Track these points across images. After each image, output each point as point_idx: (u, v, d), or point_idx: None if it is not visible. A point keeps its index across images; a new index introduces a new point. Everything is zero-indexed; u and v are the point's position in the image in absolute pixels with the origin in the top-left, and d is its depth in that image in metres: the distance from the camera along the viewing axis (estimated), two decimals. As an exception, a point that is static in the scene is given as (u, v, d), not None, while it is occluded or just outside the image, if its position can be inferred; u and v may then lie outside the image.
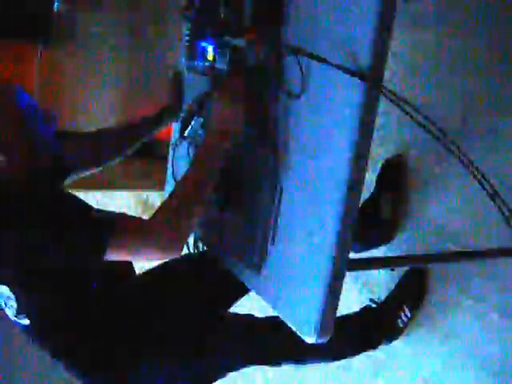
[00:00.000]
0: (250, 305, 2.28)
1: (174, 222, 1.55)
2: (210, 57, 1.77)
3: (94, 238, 1.51)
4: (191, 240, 2.15)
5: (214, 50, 1.75)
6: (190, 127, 1.93)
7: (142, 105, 4.93)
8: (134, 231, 1.55)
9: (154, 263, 2.12)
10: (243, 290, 1.88)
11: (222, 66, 1.72)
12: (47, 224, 1.51)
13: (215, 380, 1.99)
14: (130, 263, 1.97)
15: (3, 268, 1.66)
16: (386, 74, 1.31)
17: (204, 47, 1.78)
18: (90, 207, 1.61)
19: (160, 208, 1.58)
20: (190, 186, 1.61)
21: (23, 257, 1.55)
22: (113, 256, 1.53)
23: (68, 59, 6.97)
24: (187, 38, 1.83)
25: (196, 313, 1.95)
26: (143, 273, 2.10)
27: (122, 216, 1.61)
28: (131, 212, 4.88)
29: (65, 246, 1.51)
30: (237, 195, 1.72)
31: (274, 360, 2.09)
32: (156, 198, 4.44)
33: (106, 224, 1.53)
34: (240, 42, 1.64)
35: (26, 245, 1.52)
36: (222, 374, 1.99)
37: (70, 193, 1.75)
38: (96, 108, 6.11)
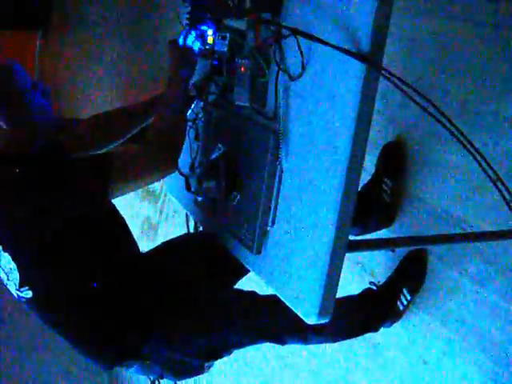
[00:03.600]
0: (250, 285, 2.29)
1: (163, 140, 1.77)
2: (209, 40, 1.77)
3: (96, 175, 1.69)
4: (192, 221, 2.17)
5: (214, 33, 1.75)
6: (190, 110, 1.94)
7: (143, 90, 4.94)
8: (133, 157, 1.75)
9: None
10: (244, 270, 1.89)
11: (222, 48, 1.72)
12: (53, 181, 1.68)
13: (221, 356, 2.00)
14: (134, 242, 1.99)
15: (12, 230, 1.74)
16: (386, 58, 1.31)
17: (204, 31, 1.78)
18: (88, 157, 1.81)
19: (149, 133, 1.80)
20: (168, 113, 1.83)
21: (32, 212, 1.69)
22: (119, 189, 1.74)
23: (68, 47, 6.98)
24: (187, 21, 1.83)
25: (198, 289, 1.96)
26: (147, 251, 2.12)
27: (117, 150, 1.82)
28: (132, 200, 4.89)
29: (70, 191, 1.68)
30: (238, 177, 1.73)
31: (277, 336, 2.09)
32: (156, 184, 4.45)
33: (104, 160, 1.72)
34: (240, 25, 1.64)
35: (34, 202, 1.68)
36: (227, 350, 2.00)
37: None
38: (97, 94, 6.12)
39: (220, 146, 1.81)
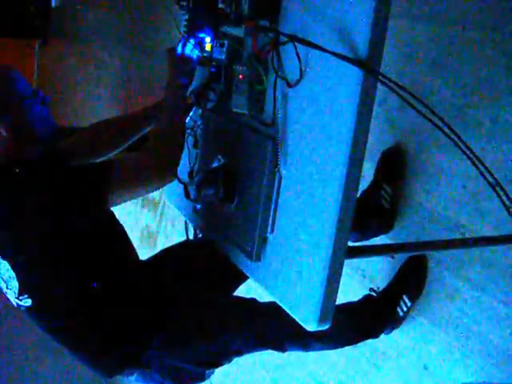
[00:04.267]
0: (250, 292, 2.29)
1: (162, 148, 1.77)
2: (207, 47, 1.78)
3: (95, 181, 1.68)
4: (191, 230, 2.17)
5: (212, 40, 1.76)
6: (188, 118, 1.94)
7: (143, 97, 4.94)
8: (132, 166, 1.74)
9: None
10: (243, 276, 1.89)
11: (220, 56, 1.72)
12: (50, 187, 1.67)
13: (221, 364, 2.00)
14: (133, 249, 1.99)
15: (10, 233, 1.74)
16: (383, 63, 1.31)
17: (202, 38, 1.79)
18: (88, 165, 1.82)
19: (148, 142, 1.80)
20: (167, 121, 1.83)
21: (33, 221, 1.68)
22: (118, 197, 1.72)
23: (66, 54, 6.99)
24: (185, 29, 1.84)
25: (197, 295, 1.96)
26: (147, 258, 2.12)
27: (117, 160, 1.81)
28: (131, 208, 4.89)
29: (70, 201, 1.67)
30: (236, 184, 1.73)
31: (277, 342, 2.09)
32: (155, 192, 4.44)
33: (104, 167, 1.72)
34: (238, 32, 1.64)
35: (33, 210, 1.67)
36: (226, 357, 2.00)
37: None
38: (96, 101, 6.13)
39: (220, 157, 1.80)
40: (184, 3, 1.80)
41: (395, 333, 2.43)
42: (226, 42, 1.70)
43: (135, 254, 1.99)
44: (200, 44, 1.80)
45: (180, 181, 1.86)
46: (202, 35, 1.78)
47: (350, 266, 2.57)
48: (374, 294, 2.41)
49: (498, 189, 1.43)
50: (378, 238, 2.48)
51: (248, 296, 2.12)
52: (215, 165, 1.80)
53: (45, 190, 1.67)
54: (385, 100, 2.41)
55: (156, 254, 2.17)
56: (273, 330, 2.03)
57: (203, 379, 2.00)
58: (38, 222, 1.69)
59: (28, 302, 1.77)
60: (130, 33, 5.44)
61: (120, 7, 5.69)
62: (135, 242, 2.04)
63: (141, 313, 1.84)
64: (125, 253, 1.92)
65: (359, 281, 2.63)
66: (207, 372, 1.99)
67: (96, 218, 1.77)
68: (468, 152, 1.33)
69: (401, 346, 2.46)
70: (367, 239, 2.46)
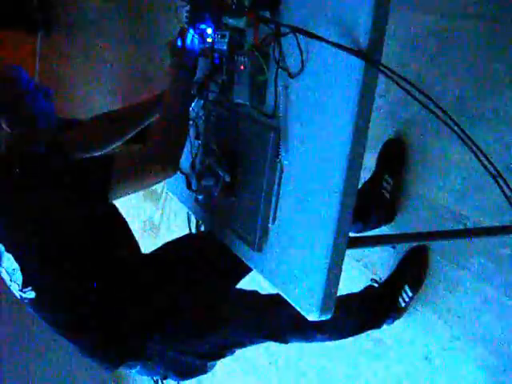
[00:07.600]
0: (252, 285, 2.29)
1: (165, 141, 1.75)
2: (209, 39, 1.78)
3: (97, 176, 1.69)
4: (193, 221, 2.17)
5: (214, 31, 1.76)
6: (190, 109, 1.94)
7: (143, 90, 4.95)
8: (133, 160, 1.74)
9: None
10: (245, 269, 1.90)
11: (221, 47, 1.73)
12: (53, 181, 1.69)
13: (223, 356, 2.01)
14: (136, 242, 1.99)
15: (13, 230, 1.74)
16: (385, 55, 1.31)
17: (203, 29, 1.79)
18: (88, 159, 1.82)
19: (150, 136, 1.78)
20: (169, 115, 1.81)
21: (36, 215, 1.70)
22: (120, 191, 1.72)
23: (67, 47, 6.98)
24: (187, 20, 1.84)
25: (199, 288, 1.96)
26: (149, 252, 2.12)
27: (118, 154, 1.80)
28: (133, 200, 4.89)
29: (70, 197, 1.68)
30: (238, 175, 1.73)
31: (279, 334, 2.10)
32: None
33: (106, 161, 1.72)
34: (239, 23, 1.65)
35: (33, 202, 1.68)
36: (229, 349, 2.00)
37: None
38: (97, 94, 6.13)
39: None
40: (187, -5, 1.81)
41: (397, 323, 2.43)
42: (227, 33, 1.70)
43: (137, 248, 1.99)
44: (202, 35, 1.80)
45: (182, 172, 1.86)
46: (203, 26, 1.78)
47: (351, 256, 2.58)
48: (375, 284, 2.42)
49: (499, 179, 1.43)
50: (379, 228, 2.49)
51: (250, 288, 2.12)
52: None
53: (44, 188, 1.68)
54: (386, 91, 2.41)
55: (157, 249, 2.16)
56: (274, 321, 2.04)
57: (205, 371, 2.01)
58: (39, 221, 1.69)
59: (32, 295, 1.77)
60: (132, 24, 5.43)
61: (122, 1, 5.69)
62: (137, 234, 2.04)
63: (141, 310, 1.84)
64: (125, 249, 1.92)
65: (361, 271, 2.63)
66: (209, 364, 2.00)
67: (97, 214, 1.77)
68: (470, 143, 1.33)
69: (403, 337, 2.46)
70: (369, 230, 2.46)
